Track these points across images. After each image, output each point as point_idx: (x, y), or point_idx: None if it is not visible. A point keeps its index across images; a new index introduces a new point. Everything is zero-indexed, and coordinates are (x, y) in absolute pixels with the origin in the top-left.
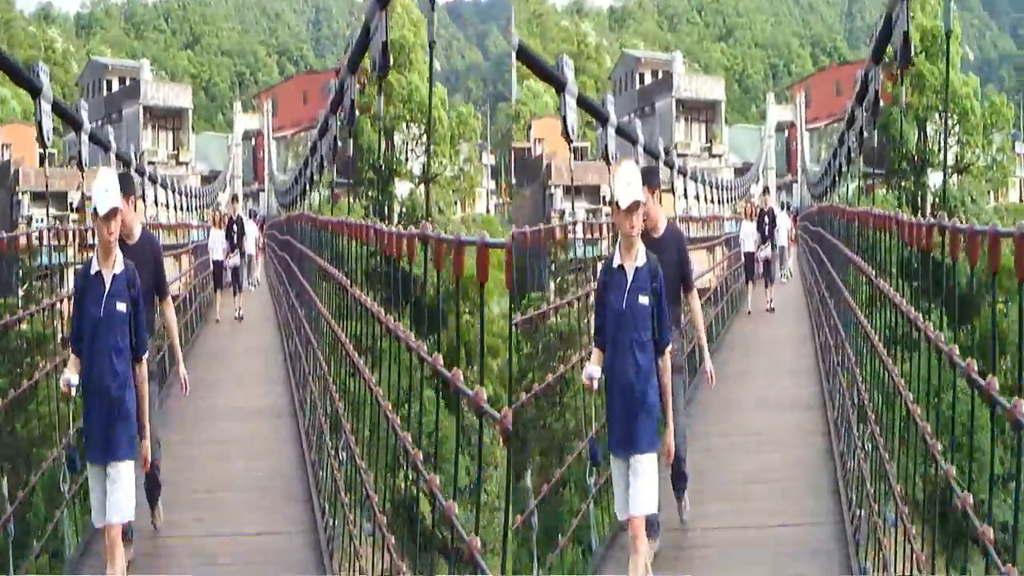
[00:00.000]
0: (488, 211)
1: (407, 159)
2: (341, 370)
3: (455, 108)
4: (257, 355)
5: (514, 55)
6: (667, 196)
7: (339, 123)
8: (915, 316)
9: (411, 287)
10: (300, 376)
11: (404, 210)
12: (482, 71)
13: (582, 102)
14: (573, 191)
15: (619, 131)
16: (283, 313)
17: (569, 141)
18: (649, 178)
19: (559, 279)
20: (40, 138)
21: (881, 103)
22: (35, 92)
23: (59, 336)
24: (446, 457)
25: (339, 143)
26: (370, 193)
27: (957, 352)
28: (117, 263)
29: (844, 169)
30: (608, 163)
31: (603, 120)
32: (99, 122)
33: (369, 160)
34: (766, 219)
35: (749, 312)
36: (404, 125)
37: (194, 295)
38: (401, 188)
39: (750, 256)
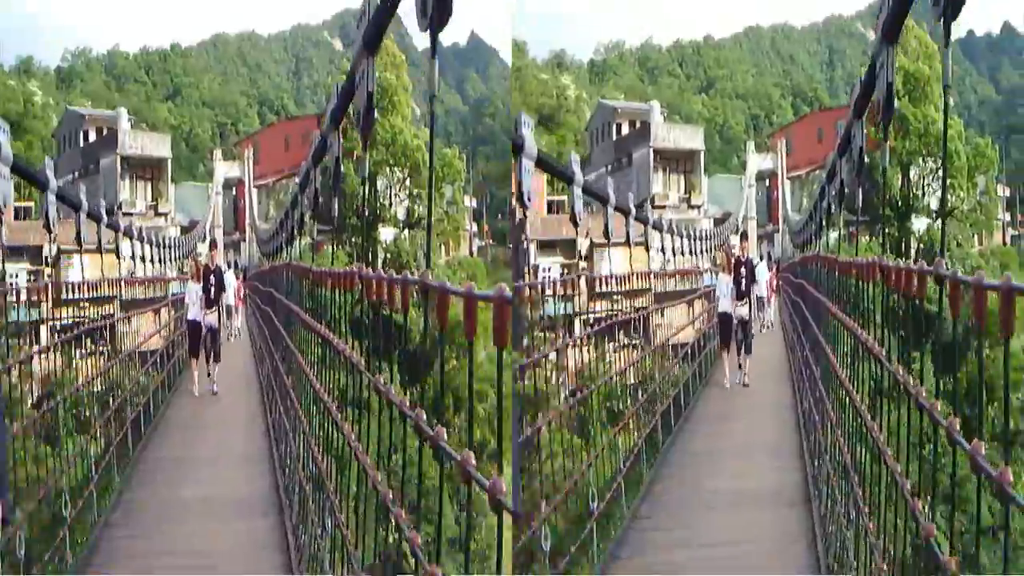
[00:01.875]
0: (471, 254)
1: (391, 204)
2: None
3: (438, 151)
4: (235, 427)
5: (532, 164)
6: (640, 251)
7: (321, 175)
8: (895, 369)
9: (397, 335)
10: (286, 456)
11: (389, 256)
12: (462, 115)
13: (587, 190)
14: (543, 249)
15: (586, 191)
16: (265, 373)
17: (576, 225)
18: None
19: (526, 338)
20: (47, 224)
21: (865, 155)
22: (42, 188)
23: (31, 398)
24: (432, 508)
25: (319, 198)
26: (354, 240)
27: (939, 408)
28: None
29: (823, 225)
30: (607, 238)
31: (603, 202)
32: (75, 173)
33: (352, 206)
34: (743, 270)
35: (728, 385)
36: (387, 169)
37: (169, 354)
38: (385, 233)
39: (726, 317)
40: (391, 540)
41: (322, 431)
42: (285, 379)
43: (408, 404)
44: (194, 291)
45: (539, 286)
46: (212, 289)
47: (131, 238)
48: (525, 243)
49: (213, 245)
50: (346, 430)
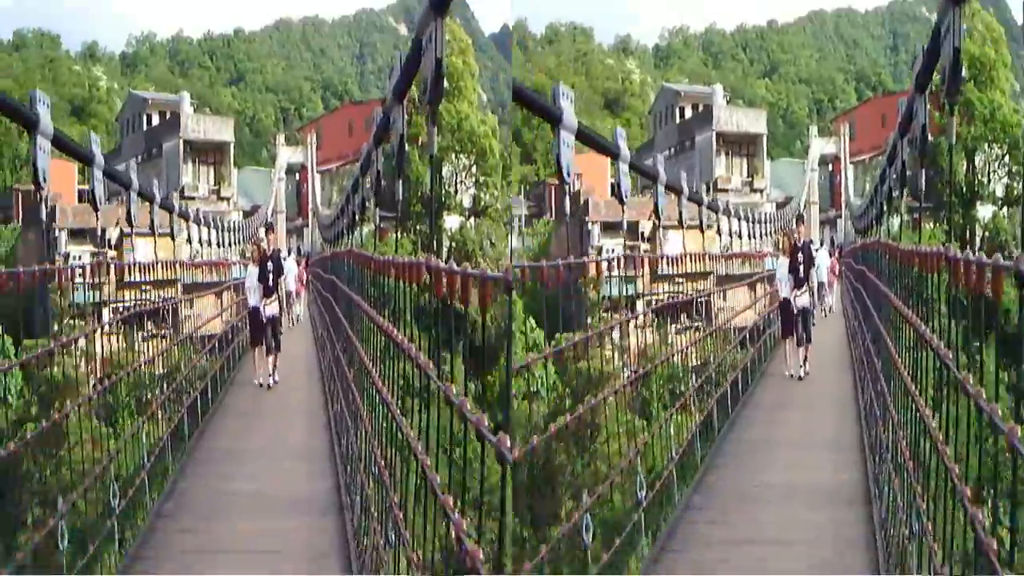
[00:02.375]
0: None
1: (456, 191)
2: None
3: (503, 139)
4: (295, 418)
5: (573, 137)
6: (695, 233)
7: (384, 157)
8: (954, 369)
9: (462, 326)
10: (348, 454)
11: (454, 244)
12: None
13: (633, 167)
14: (608, 230)
15: (634, 168)
16: (327, 363)
17: (622, 202)
18: None
19: (590, 319)
20: (93, 203)
21: (928, 134)
22: (88, 161)
23: (93, 378)
24: (495, 504)
25: (382, 181)
26: (418, 227)
27: (999, 413)
28: None
29: (884, 210)
30: (658, 217)
31: (653, 179)
32: (139, 157)
33: (417, 193)
34: (800, 256)
35: (790, 375)
36: (453, 156)
37: (228, 339)
38: (451, 222)
39: (787, 304)
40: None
41: (385, 426)
42: (347, 371)
43: (473, 398)
44: (255, 275)
45: (599, 264)
46: (270, 276)
47: (187, 219)
48: (588, 224)
49: (270, 228)
50: (406, 429)
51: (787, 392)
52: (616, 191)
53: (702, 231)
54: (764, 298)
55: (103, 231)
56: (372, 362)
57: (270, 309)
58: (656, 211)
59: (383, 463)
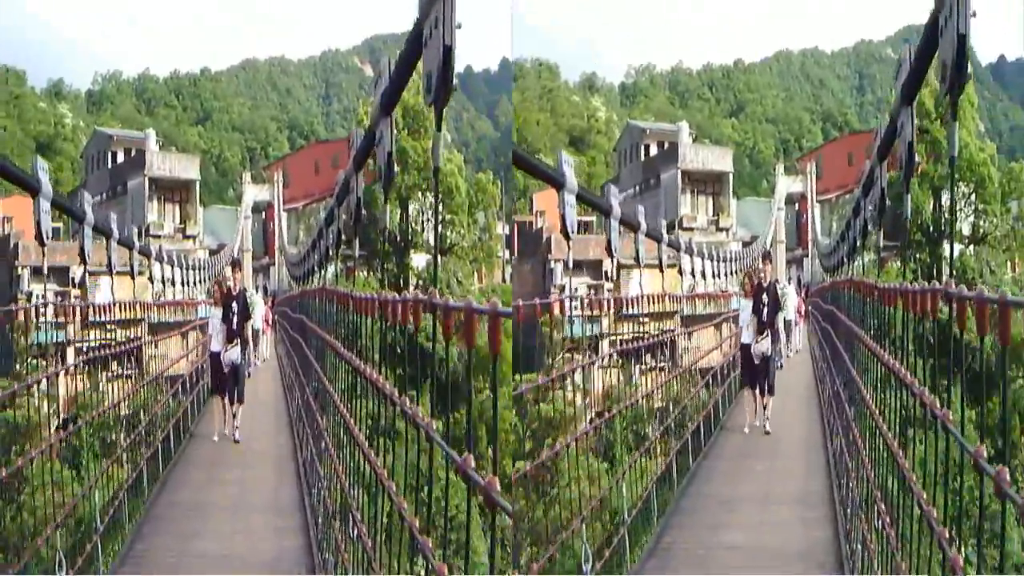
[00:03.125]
0: (505, 280)
1: (423, 229)
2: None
3: (471, 176)
4: (263, 467)
5: (574, 198)
6: (655, 271)
7: (363, 185)
8: (921, 393)
9: (431, 364)
10: (321, 506)
11: (421, 283)
12: (492, 141)
13: (582, 198)
14: (572, 269)
15: (581, 199)
16: (295, 407)
17: (568, 238)
18: None
19: (550, 359)
20: (39, 236)
21: (915, 149)
22: (34, 192)
23: (56, 421)
24: (472, 547)
25: (362, 210)
26: (385, 266)
27: (965, 435)
28: None
29: (859, 243)
30: (611, 254)
31: (605, 213)
32: (103, 195)
33: (384, 231)
34: (764, 297)
35: (746, 430)
36: (420, 194)
37: (193, 380)
38: (417, 260)
39: (748, 350)
40: (418, 567)
41: (353, 465)
42: (318, 418)
43: (438, 434)
44: (217, 317)
45: (562, 303)
46: (234, 318)
47: (149, 257)
48: (551, 262)
49: (235, 266)
50: (372, 459)
51: (751, 441)
52: (562, 226)
53: (661, 270)
54: (730, 339)
55: (58, 268)
56: (345, 405)
57: (231, 354)
58: (609, 247)
59: (364, 528)
